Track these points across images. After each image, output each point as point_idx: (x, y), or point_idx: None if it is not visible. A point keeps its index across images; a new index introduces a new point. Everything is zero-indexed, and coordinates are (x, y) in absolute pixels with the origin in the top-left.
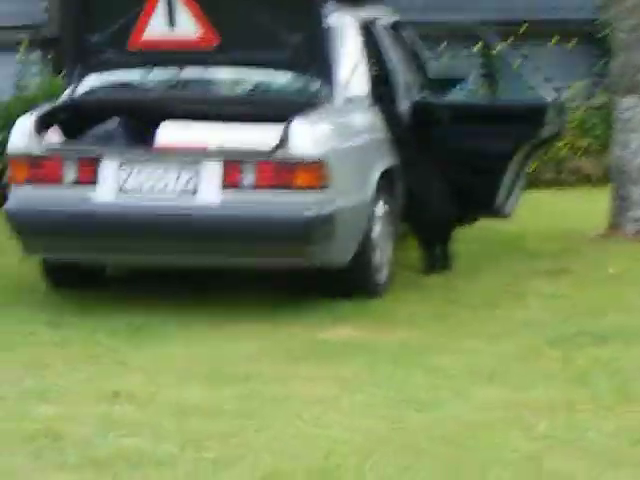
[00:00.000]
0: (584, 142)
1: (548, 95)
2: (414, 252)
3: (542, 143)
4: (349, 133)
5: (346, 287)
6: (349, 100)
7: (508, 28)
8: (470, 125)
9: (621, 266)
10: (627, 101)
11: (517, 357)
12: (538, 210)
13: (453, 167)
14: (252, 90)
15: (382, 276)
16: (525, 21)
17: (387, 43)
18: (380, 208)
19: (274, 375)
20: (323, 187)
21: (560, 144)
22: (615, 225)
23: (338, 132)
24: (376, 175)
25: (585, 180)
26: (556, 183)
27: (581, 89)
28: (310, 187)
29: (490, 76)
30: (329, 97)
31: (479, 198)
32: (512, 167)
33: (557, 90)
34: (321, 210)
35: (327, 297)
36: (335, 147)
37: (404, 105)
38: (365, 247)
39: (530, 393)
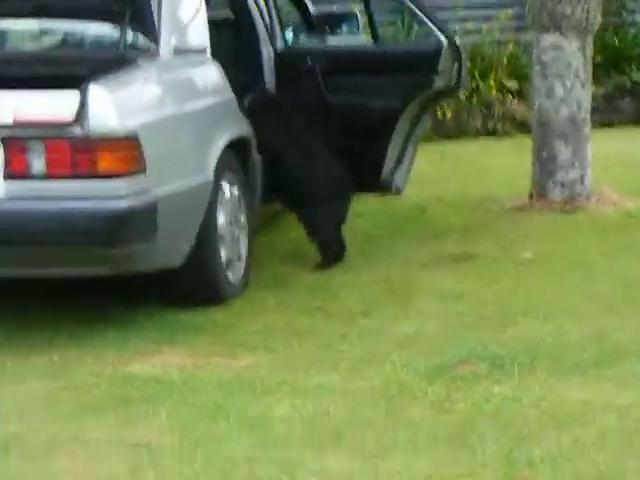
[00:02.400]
0: (514, 83)
1: (442, 36)
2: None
3: (435, 98)
4: (174, 97)
5: (184, 293)
6: (179, 53)
7: None
8: (345, 77)
9: (542, 247)
10: (548, 39)
11: (370, 402)
12: (455, 169)
13: (328, 132)
14: (46, 45)
15: (234, 275)
16: None
17: None
18: (226, 191)
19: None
20: (136, 172)
21: (484, 85)
22: (539, 192)
23: (157, 97)
24: (218, 150)
25: (520, 128)
26: (485, 132)
27: (510, 19)
28: (118, 173)
29: (369, 12)
30: (149, 50)
31: (360, 170)
32: (400, 130)
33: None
34: (134, 202)
35: (166, 306)
36: (152, 118)
37: (265, 55)
38: (206, 242)
39: (385, 463)
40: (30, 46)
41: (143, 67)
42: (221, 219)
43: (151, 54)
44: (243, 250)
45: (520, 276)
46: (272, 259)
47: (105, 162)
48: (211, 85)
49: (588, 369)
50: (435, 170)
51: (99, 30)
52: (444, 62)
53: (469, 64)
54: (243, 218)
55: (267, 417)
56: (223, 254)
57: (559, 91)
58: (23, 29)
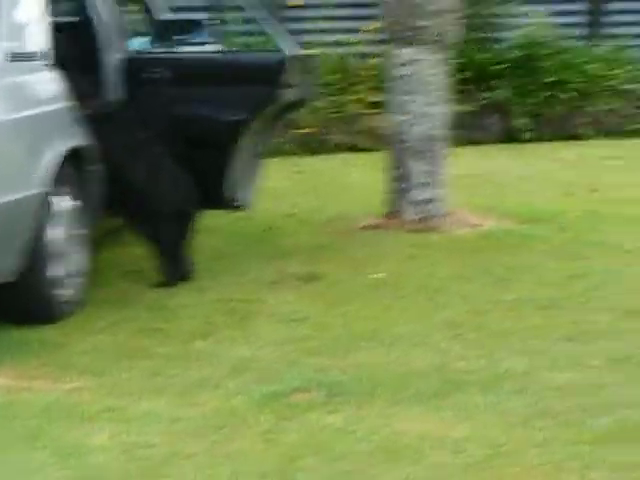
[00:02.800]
0: (379, 97)
1: (288, 47)
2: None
3: (282, 112)
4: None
5: (13, 310)
6: (15, 58)
7: None
8: (188, 88)
9: (392, 268)
10: (405, 53)
11: (197, 432)
12: (312, 184)
13: (173, 144)
14: None
15: (70, 293)
16: None
17: None
18: (62, 203)
19: None
20: None
21: (348, 98)
22: (393, 210)
23: None
24: (50, 161)
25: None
26: (348, 147)
27: (377, 32)
28: None
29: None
30: None
31: (203, 185)
32: (245, 143)
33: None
34: None
35: None
36: None
37: (111, 62)
38: (33, 258)
39: None
40: None
41: None
42: (54, 234)
43: None
44: (81, 266)
45: (367, 299)
46: (115, 275)
47: None
48: (44, 93)
49: (429, 399)
50: (292, 185)
51: None
52: (292, 74)
53: (333, 77)
54: (81, 232)
55: (84, 446)
56: (55, 271)
57: (414, 107)
58: None
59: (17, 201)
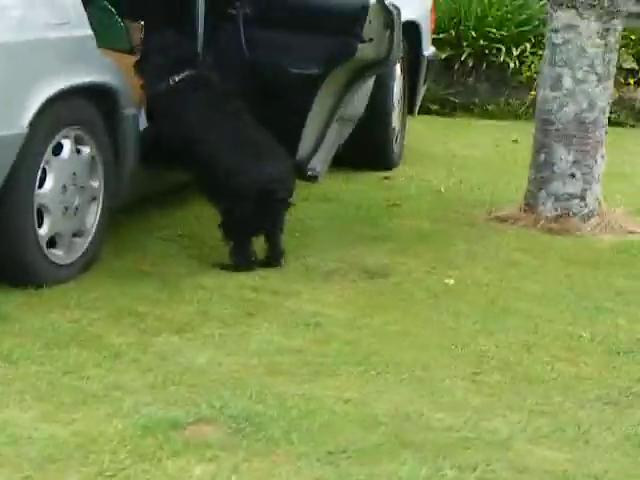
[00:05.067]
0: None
1: None
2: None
3: (362, 71)
4: None
5: None
6: None
7: None
8: (263, 30)
9: (473, 273)
10: (562, 16)
11: (24, 463)
12: (497, 157)
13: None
14: None
15: (66, 254)
16: None
17: None
18: (65, 150)
19: None
20: None
21: None
22: (528, 202)
23: None
24: (41, 97)
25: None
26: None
27: None
28: None
29: None
30: None
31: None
32: (319, 104)
33: None
34: None
35: None
36: None
37: None
38: (11, 210)
39: None
40: None
41: None
42: (47, 184)
43: None
44: (88, 223)
45: (413, 309)
46: (141, 242)
47: None
48: (44, 16)
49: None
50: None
51: None
52: (371, 27)
53: None
54: (96, 184)
55: None
56: (45, 228)
57: (567, 83)
58: None
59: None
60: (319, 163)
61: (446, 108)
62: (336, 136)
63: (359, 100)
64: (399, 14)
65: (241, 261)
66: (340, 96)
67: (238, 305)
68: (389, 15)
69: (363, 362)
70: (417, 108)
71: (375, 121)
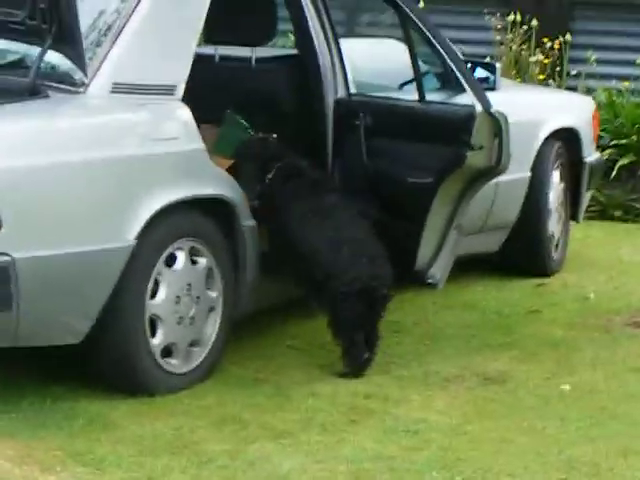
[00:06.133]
0: None
1: (478, 104)
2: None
3: (475, 179)
4: (74, 143)
5: (103, 378)
6: (124, 90)
7: None
8: (382, 140)
9: (608, 378)
10: None
11: None
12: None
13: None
14: None
15: (183, 363)
16: None
17: None
18: (180, 261)
19: None
20: None
21: None
22: None
23: (39, 140)
24: (150, 211)
25: None
26: None
27: None
28: None
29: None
30: (75, 84)
31: (392, 251)
32: (437, 212)
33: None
34: None
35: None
36: (18, 164)
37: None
38: (121, 321)
39: None
40: None
41: (38, 103)
42: (160, 294)
43: (75, 87)
44: (208, 333)
45: (524, 416)
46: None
47: None
48: (155, 132)
49: None
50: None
51: (16, 49)
52: (479, 135)
53: None
54: (214, 295)
55: None
56: (158, 338)
57: None
58: None
59: (88, 255)
60: (439, 270)
61: (630, 214)
62: (454, 244)
63: (510, 207)
64: (506, 121)
65: (355, 362)
66: (456, 204)
67: (344, 412)
68: (496, 123)
69: (451, 468)
70: (581, 215)
71: (530, 228)
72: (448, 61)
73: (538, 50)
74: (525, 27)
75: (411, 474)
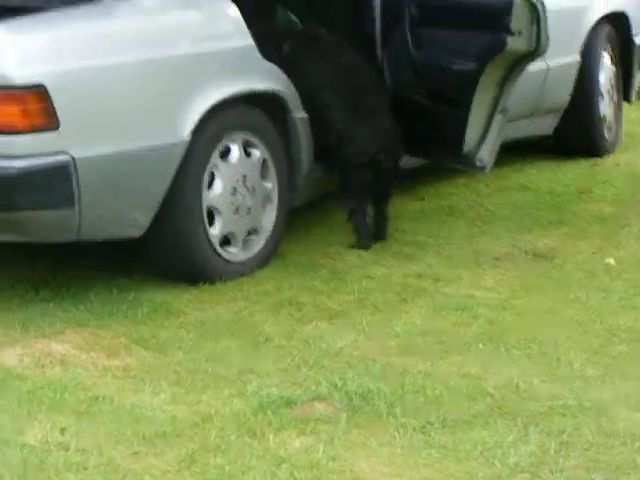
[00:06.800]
0: None
1: None
2: None
3: (516, 64)
4: (125, 44)
5: (161, 267)
6: None
7: None
8: (426, 30)
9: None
10: None
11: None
12: None
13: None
14: None
15: (241, 252)
16: None
17: None
18: (234, 153)
19: None
20: (40, 128)
21: None
22: None
23: (92, 43)
24: (203, 106)
25: None
26: None
27: None
28: (14, 128)
29: None
30: None
31: (440, 141)
32: (479, 100)
33: None
34: (33, 162)
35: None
36: (73, 66)
37: None
38: (181, 213)
39: None
40: None
41: (92, 7)
42: (216, 187)
43: None
44: (264, 222)
45: (570, 290)
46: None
47: (1, 115)
48: (206, 31)
49: None
50: None
51: None
52: (519, 20)
53: None
54: (269, 185)
55: None
56: (217, 228)
57: None
58: None
59: (142, 150)
60: (486, 154)
61: None
62: (500, 127)
63: (561, 90)
64: (544, 6)
65: (363, 237)
66: (499, 89)
67: (397, 292)
68: (534, 8)
69: (496, 340)
70: (633, 95)
71: (582, 111)
72: None
73: None
74: None
75: (458, 346)
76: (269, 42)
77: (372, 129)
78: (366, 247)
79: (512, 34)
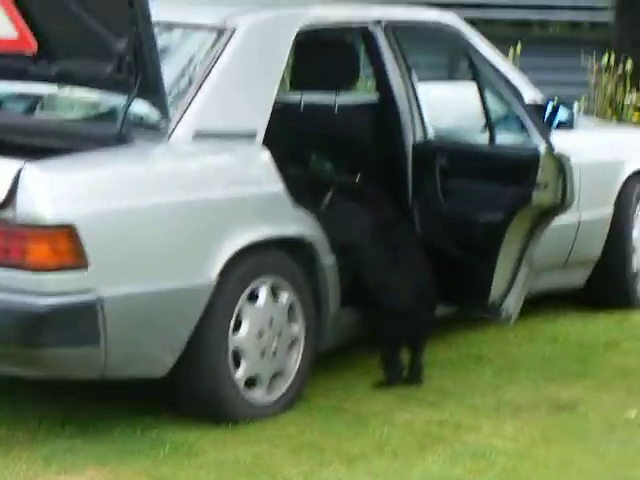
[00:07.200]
0: None
1: (541, 143)
2: None
3: (542, 216)
4: (159, 187)
5: (185, 407)
6: (205, 136)
7: None
8: (455, 182)
9: None
10: None
11: None
12: None
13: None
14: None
15: (265, 394)
16: None
17: None
18: (261, 297)
19: None
20: (70, 267)
21: None
22: None
23: (126, 185)
24: (231, 249)
25: None
26: None
27: None
28: (45, 266)
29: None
30: (159, 130)
31: (468, 288)
32: (505, 252)
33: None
34: (62, 300)
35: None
36: (106, 207)
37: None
38: (206, 354)
39: None
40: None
41: (125, 150)
42: (243, 329)
43: (159, 134)
44: (289, 366)
45: (589, 441)
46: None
47: (32, 253)
48: (238, 175)
49: None
50: None
51: (105, 100)
52: (545, 174)
53: None
54: (296, 329)
55: None
56: (242, 370)
57: None
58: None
59: (170, 291)
60: (512, 304)
61: None
62: (526, 278)
63: (593, 243)
64: (569, 161)
65: (392, 376)
66: (526, 240)
67: (417, 439)
68: (560, 162)
69: None
70: None
71: (614, 265)
72: (516, 105)
73: (633, 90)
74: (621, 69)
75: None
76: (310, 190)
77: (409, 280)
78: (394, 385)
79: (538, 187)
